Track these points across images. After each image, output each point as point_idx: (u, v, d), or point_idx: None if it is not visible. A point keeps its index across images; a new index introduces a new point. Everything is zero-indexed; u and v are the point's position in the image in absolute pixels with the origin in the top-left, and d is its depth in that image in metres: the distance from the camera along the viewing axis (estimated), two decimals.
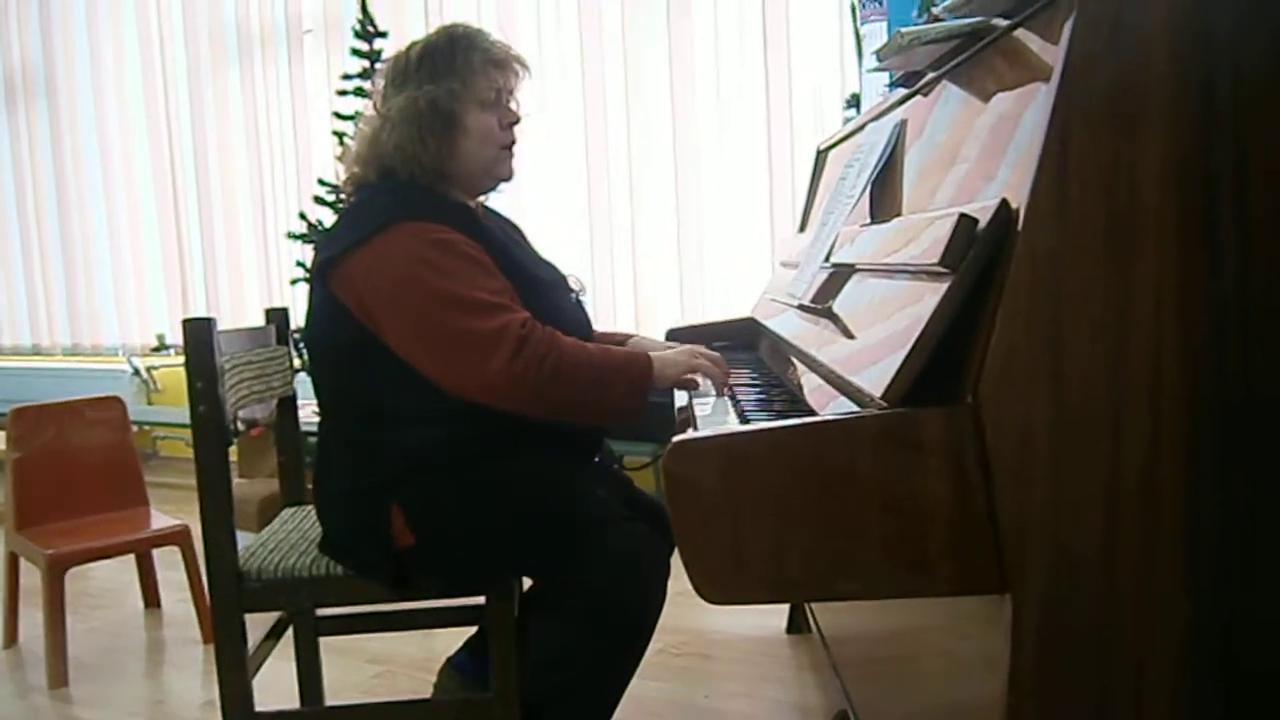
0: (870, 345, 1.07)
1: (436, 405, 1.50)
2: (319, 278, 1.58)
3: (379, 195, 1.60)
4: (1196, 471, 0.86)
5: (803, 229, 2.28)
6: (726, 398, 1.54)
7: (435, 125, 1.58)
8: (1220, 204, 0.85)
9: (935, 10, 1.25)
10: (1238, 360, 0.86)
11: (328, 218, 3.41)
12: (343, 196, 1.77)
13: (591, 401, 1.50)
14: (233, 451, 1.74)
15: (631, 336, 1.91)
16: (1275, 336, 0.86)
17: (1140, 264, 0.85)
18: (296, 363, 2.09)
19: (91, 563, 2.64)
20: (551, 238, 3.83)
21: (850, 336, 1.18)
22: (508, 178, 1.69)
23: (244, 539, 1.69)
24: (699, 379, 1.59)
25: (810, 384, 1.32)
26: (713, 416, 1.41)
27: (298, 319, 1.98)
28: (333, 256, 1.55)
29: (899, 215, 1.28)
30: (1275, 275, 0.85)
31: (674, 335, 2.26)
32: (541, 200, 3.87)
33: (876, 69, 1.54)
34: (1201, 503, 0.86)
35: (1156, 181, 0.85)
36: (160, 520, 2.69)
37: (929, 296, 0.94)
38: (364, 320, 1.53)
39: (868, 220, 1.44)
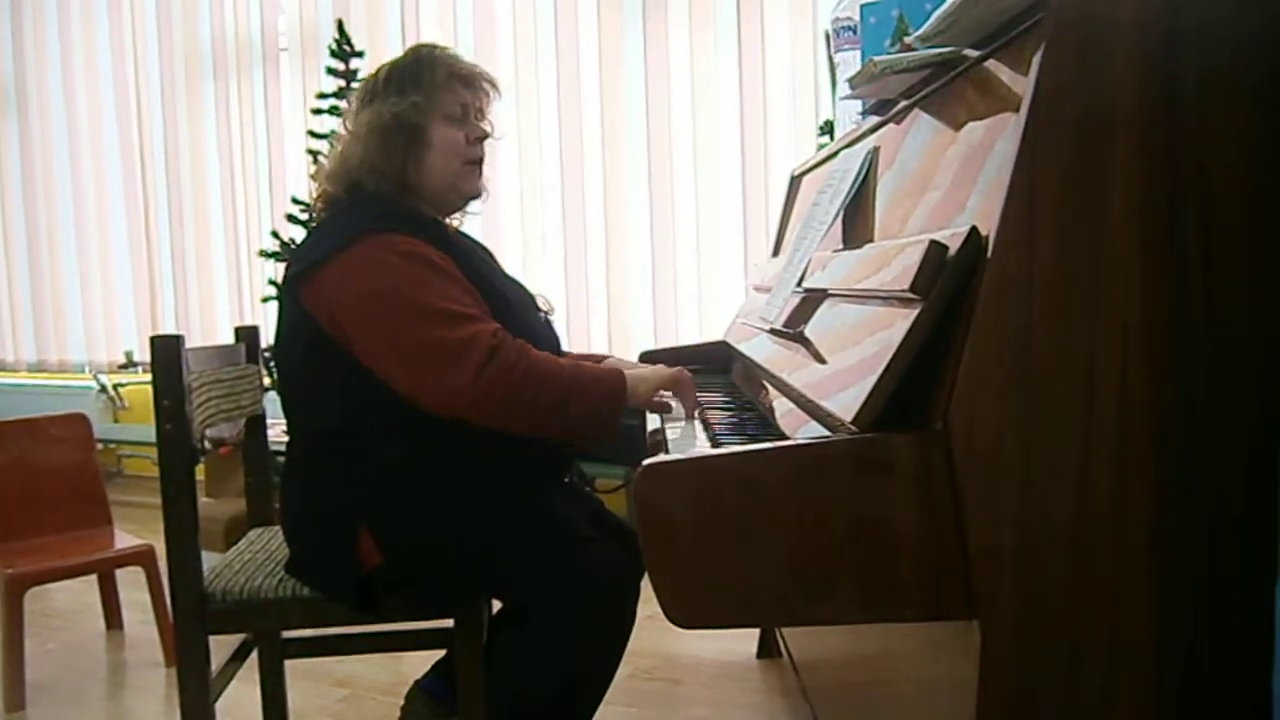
0: (841, 370, 1.07)
1: (405, 424, 1.49)
2: (289, 292, 1.58)
3: (348, 210, 1.60)
4: (1163, 497, 0.87)
5: (776, 253, 2.30)
6: (698, 421, 1.54)
7: (399, 138, 1.59)
8: (1186, 232, 0.87)
9: (908, 39, 1.26)
10: (1204, 386, 0.87)
11: (300, 236, 3.39)
12: (315, 213, 1.77)
13: (562, 415, 1.49)
14: (200, 470, 1.72)
15: (608, 358, 1.91)
16: (1241, 364, 0.87)
17: (1107, 291, 0.86)
18: (266, 381, 2.07)
19: (52, 582, 2.60)
20: (526, 259, 3.84)
21: (822, 361, 1.18)
22: (476, 195, 1.71)
23: (210, 559, 1.67)
24: (670, 400, 1.59)
25: (782, 408, 1.33)
26: (684, 440, 1.41)
27: (268, 337, 1.97)
28: (303, 270, 1.54)
29: (871, 241, 1.29)
30: (1241, 304, 0.87)
31: (647, 358, 2.26)
32: (517, 222, 3.88)
33: (850, 96, 1.55)
34: (1168, 529, 0.87)
35: (1123, 210, 0.87)
36: (124, 540, 2.65)
37: (900, 322, 0.94)
38: (334, 334, 1.52)
39: (840, 246, 1.45)
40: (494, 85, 1.71)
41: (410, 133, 1.60)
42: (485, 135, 1.68)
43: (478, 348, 1.44)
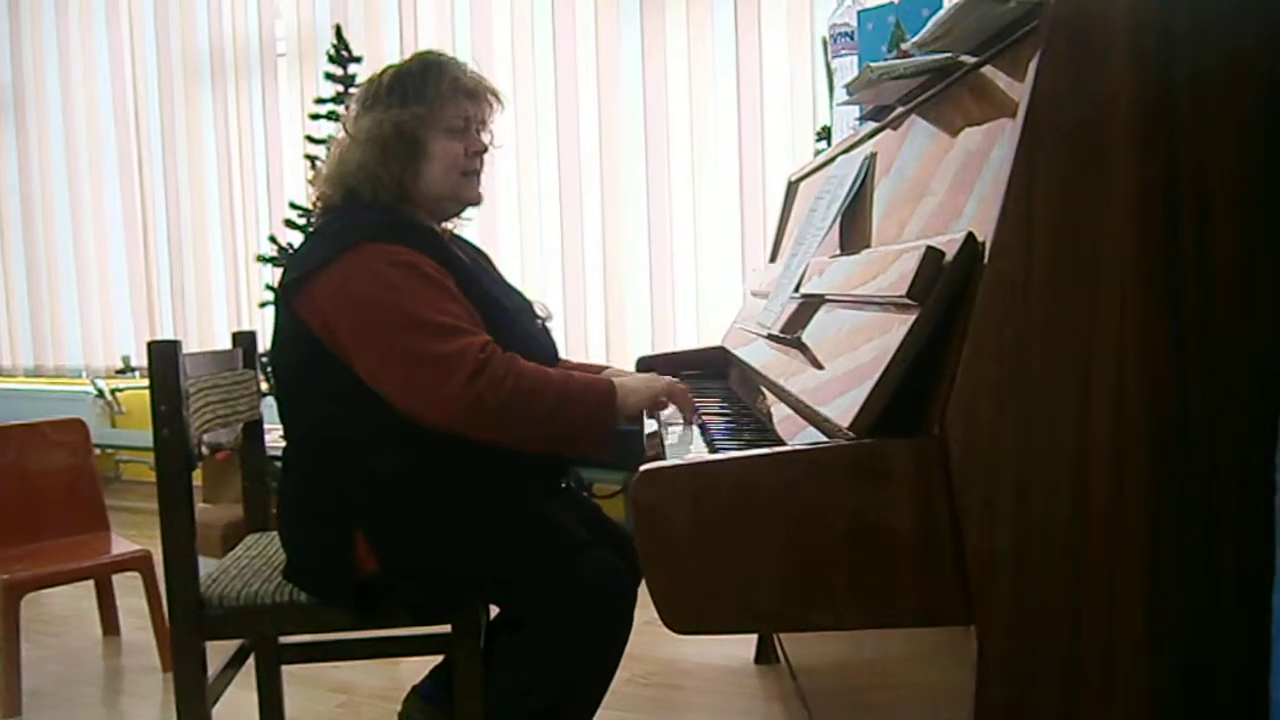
0: (838, 376, 1.07)
1: (401, 430, 1.49)
2: (284, 299, 1.58)
3: (343, 217, 1.60)
4: (1160, 503, 0.87)
5: (773, 259, 2.30)
6: (695, 426, 1.53)
7: (399, 149, 1.59)
8: (1183, 236, 0.87)
9: (905, 46, 1.27)
10: (1200, 390, 0.87)
11: (298, 241, 3.38)
12: (312, 219, 1.77)
13: (551, 427, 1.49)
14: (197, 476, 1.72)
15: (606, 368, 1.90)
16: (1237, 368, 0.87)
17: (1104, 297, 0.87)
18: (263, 386, 2.07)
19: (49, 588, 2.59)
20: (524, 265, 3.84)
21: (819, 367, 1.18)
22: (475, 202, 1.70)
23: (207, 565, 1.67)
24: (665, 406, 1.58)
25: (779, 414, 1.33)
26: (682, 445, 1.41)
27: (266, 342, 1.97)
28: (298, 277, 1.54)
29: (868, 247, 1.30)
30: (1238, 307, 0.87)
31: (644, 364, 2.26)
32: (515, 228, 3.88)
33: (847, 102, 1.55)
34: (1165, 532, 0.87)
35: (1119, 216, 0.87)
36: (121, 545, 2.65)
37: (896, 328, 0.94)
38: (328, 342, 1.52)
39: (837, 251, 1.45)
40: (498, 98, 1.70)
41: (410, 143, 1.59)
42: (485, 149, 1.68)
43: (467, 360, 1.44)
